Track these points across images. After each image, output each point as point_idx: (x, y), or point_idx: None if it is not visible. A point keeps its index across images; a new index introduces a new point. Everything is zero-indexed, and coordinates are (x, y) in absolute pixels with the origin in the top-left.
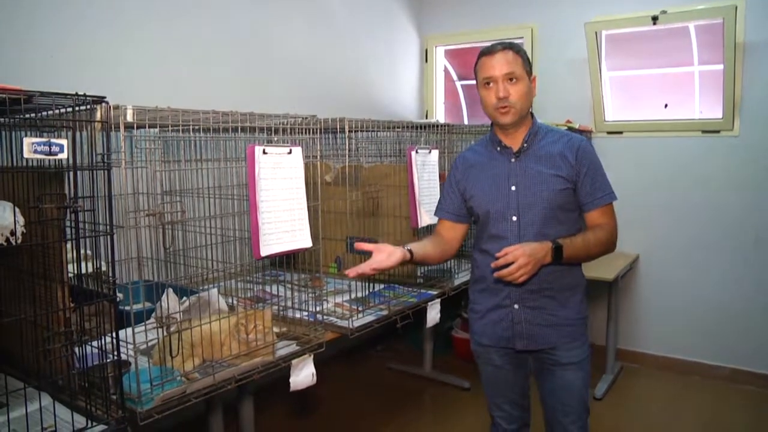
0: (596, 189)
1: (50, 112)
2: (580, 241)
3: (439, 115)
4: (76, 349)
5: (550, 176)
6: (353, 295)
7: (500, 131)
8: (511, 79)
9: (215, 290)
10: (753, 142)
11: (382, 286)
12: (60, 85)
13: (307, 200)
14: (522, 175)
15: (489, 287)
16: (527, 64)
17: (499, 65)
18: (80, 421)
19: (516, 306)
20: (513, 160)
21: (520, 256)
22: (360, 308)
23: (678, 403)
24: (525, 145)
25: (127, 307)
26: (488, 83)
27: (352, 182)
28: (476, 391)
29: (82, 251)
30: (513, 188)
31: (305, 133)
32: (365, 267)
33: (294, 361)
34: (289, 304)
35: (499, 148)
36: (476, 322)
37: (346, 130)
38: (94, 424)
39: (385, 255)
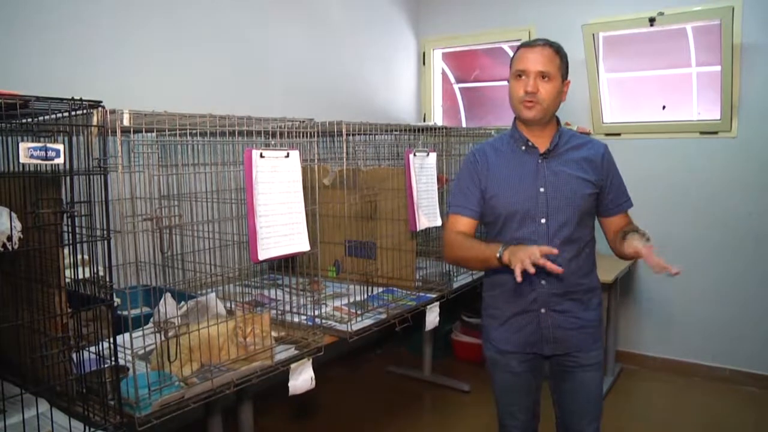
0: (621, 194)
1: (46, 117)
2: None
3: (437, 118)
4: (74, 355)
5: (580, 180)
6: (352, 299)
7: (526, 129)
8: (543, 77)
9: (213, 294)
10: (751, 143)
11: (380, 289)
12: (56, 90)
13: (305, 204)
14: (552, 176)
15: (512, 292)
16: (564, 67)
17: (535, 60)
18: (78, 426)
19: (543, 310)
20: (540, 160)
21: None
22: (359, 312)
23: (678, 405)
24: (551, 147)
25: (125, 312)
26: (520, 75)
27: (350, 185)
28: (476, 395)
29: (80, 256)
30: (542, 189)
31: (303, 136)
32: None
33: (293, 365)
34: (288, 308)
35: (524, 147)
36: (496, 329)
37: (344, 133)
38: (92, 429)
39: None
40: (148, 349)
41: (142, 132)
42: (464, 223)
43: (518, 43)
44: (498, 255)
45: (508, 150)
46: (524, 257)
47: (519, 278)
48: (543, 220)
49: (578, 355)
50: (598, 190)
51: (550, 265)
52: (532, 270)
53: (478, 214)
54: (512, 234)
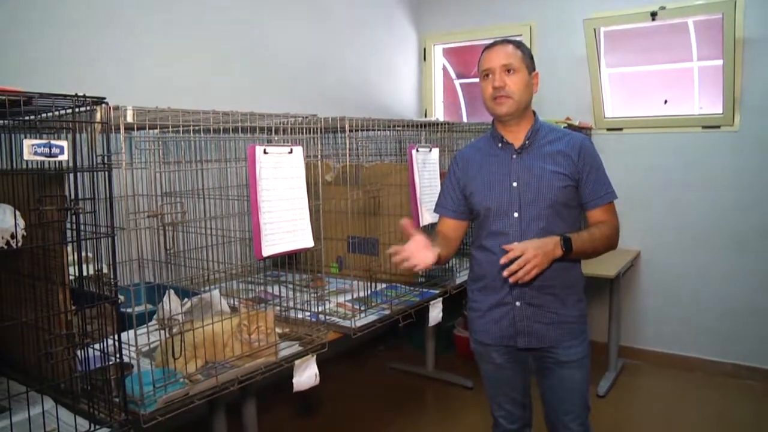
0: (598, 188)
1: (50, 114)
2: (587, 235)
3: (438, 114)
4: (78, 352)
5: (552, 173)
6: (355, 295)
7: (502, 127)
8: (508, 71)
9: (217, 291)
10: (753, 137)
11: (384, 285)
12: (59, 87)
13: (308, 200)
14: (523, 171)
15: (489, 285)
16: (528, 59)
17: (497, 57)
18: (83, 424)
19: (518, 303)
20: (514, 156)
21: (527, 250)
22: (362, 308)
23: (681, 400)
24: (527, 141)
25: (129, 309)
26: (486, 75)
27: (353, 181)
28: (479, 390)
29: (83, 253)
30: (515, 184)
31: (306, 132)
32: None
33: (297, 362)
34: (291, 304)
35: (500, 144)
36: (476, 320)
37: (347, 129)
38: (97, 427)
39: (423, 245)
40: (152, 346)
41: (145, 128)
42: (446, 222)
43: (520, 39)
44: None
45: (487, 148)
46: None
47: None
48: (516, 214)
49: (556, 351)
50: (573, 182)
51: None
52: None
53: (460, 213)
54: (490, 228)
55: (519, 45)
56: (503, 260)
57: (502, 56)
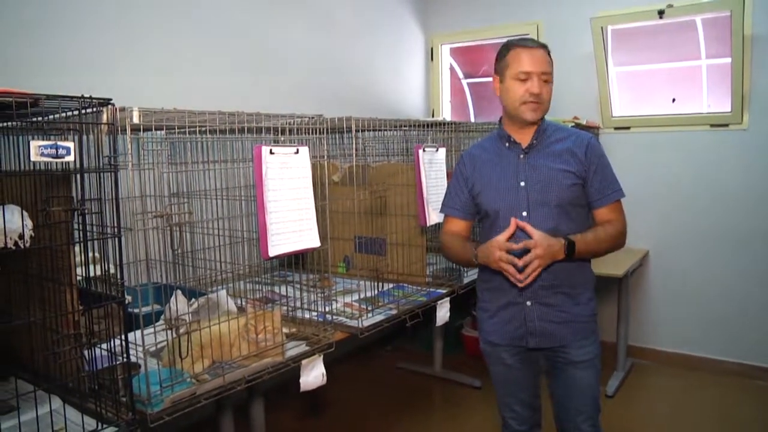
0: (605, 186)
1: (56, 116)
2: (592, 237)
3: (446, 114)
4: (86, 352)
5: (560, 172)
6: (362, 295)
7: (511, 127)
8: (545, 80)
9: (224, 291)
10: (762, 135)
11: (391, 285)
12: (66, 88)
13: (315, 200)
14: (531, 170)
15: (500, 285)
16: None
17: (539, 62)
18: (90, 423)
19: (528, 303)
20: (522, 156)
21: (537, 246)
22: (369, 308)
23: (690, 399)
24: (534, 141)
25: (136, 310)
26: (523, 78)
27: (360, 181)
28: (487, 390)
29: (90, 254)
30: (522, 184)
31: (312, 132)
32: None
33: (304, 362)
34: (298, 304)
35: (508, 144)
36: (486, 320)
37: (353, 129)
38: (105, 426)
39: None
40: (159, 346)
41: (151, 130)
42: (455, 222)
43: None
44: (474, 260)
45: (494, 148)
46: (495, 263)
47: (519, 284)
48: (525, 214)
49: (567, 351)
50: (580, 181)
51: (522, 262)
52: (511, 270)
53: (468, 213)
54: (500, 227)
55: (550, 52)
56: (519, 246)
57: (543, 64)
